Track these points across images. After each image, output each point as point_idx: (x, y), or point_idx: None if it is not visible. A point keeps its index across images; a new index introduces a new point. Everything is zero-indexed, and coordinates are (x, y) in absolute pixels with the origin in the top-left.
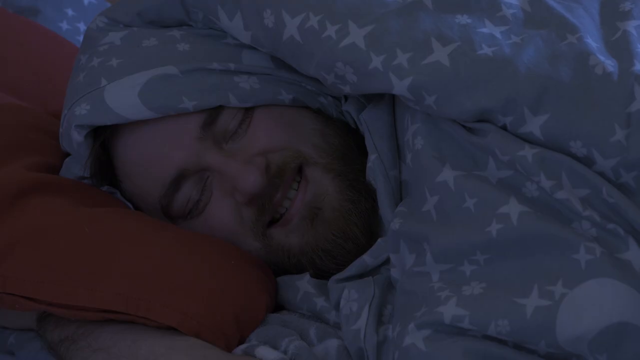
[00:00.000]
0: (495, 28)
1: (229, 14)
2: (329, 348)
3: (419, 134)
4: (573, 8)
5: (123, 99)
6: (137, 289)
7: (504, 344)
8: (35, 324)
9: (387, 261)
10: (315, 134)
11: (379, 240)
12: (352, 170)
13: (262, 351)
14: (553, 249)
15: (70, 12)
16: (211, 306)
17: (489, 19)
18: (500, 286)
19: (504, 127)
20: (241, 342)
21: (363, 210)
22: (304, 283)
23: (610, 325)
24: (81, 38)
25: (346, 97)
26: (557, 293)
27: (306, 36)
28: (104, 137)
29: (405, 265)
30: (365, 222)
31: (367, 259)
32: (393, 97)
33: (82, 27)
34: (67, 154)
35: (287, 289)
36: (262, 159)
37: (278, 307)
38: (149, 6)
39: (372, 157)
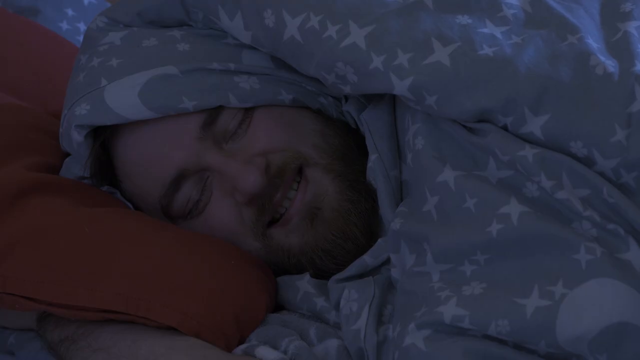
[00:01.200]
0: (495, 28)
1: (229, 14)
2: (329, 348)
3: (420, 134)
4: (573, 8)
5: (123, 99)
6: (137, 289)
7: (504, 344)
8: (35, 324)
9: (387, 261)
10: (315, 135)
11: (379, 240)
12: (353, 171)
13: (262, 351)
14: (553, 249)
15: (70, 12)
16: (211, 306)
17: (489, 19)
18: (500, 286)
19: (504, 127)
20: (241, 342)
21: (363, 210)
22: (304, 283)
23: (611, 325)
24: (81, 38)
25: (346, 97)
26: (557, 293)
27: (307, 36)
28: (104, 137)
29: (406, 265)
30: (365, 222)
31: (368, 259)
32: (393, 97)
33: (82, 27)
34: (67, 154)
35: (287, 289)
36: (262, 159)
37: (278, 307)
38: (149, 6)
39: (372, 157)
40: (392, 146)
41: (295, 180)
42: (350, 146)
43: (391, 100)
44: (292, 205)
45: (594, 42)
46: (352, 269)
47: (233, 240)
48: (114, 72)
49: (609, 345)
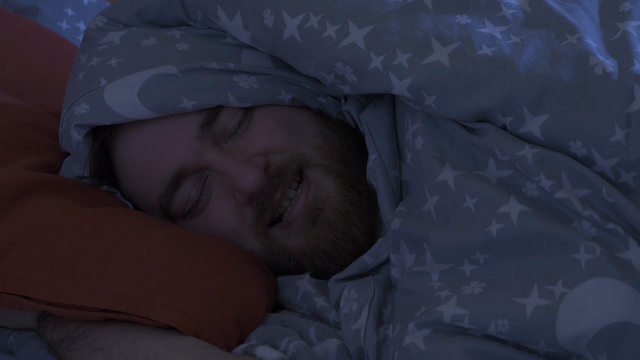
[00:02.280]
0: (495, 28)
1: (228, 14)
2: (329, 348)
3: (419, 134)
4: (573, 9)
5: (123, 98)
6: (137, 288)
7: (504, 344)
8: (35, 324)
9: (387, 261)
10: (315, 136)
11: (380, 240)
12: (354, 172)
13: (262, 351)
14: (553, 249)
15: (70, 12)
16: (211, 306)
17: (489, 19)
18: (500, 286)
19: (504, 128)
20: (241, 341)
21: (364, 211)
22: (304, 283)
23: (610, 324)
24: (81, 38)
25: (346, 97)
26: (557, 293)
27: (306, 36)
28: (103, 136)
29: (406, 265)
30: (366, 223)
31: (368, 259)
32: (393, 97)
33: (82, 27)
34: (67, 154)
35: (287, 289)
36: (262, 159)
37: (278, 307)
38: (148, 6)
39: (372, 157)
40: (392, 146)
41: (295, 180)
42: (351, 146)
43: (391, 100)
44: (294, 207)
45: (593, 42)
46: (353, 269)
47: (234, 240)
48: (113, 72)
49: (609, 345)
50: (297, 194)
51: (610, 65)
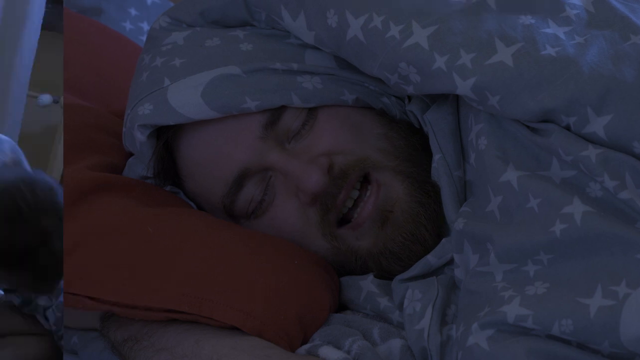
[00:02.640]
0: (558, 28)
1: (292, 14)
2: (392, 348)
3: (483, 134)
4: (637, 9)
5: (186, 98)
6: (201, 289)
7: (567, 344)
8: (99, 324)
9: (450, 261)
10: (379, 138)
11: (443, 240)
12: (421, 171)
13: (326, 351)
14: (616, 249)
15: (133, 11)
16: (274, 306)
17: (552, 20)
18: (563, 286)
19: (567, 127)
20: (304, 341)
21: (432, 212)
22: (368, 283)
23: None
24: (144, 38)
25: (409, 97)
26: (620, 293)
27: (370, 36)
28: (167, 136)
29: (469, 265)
30: (434, 224)
31: (431, 259)
32: (457, 97)
33: (145, 26)
34: (130, 154)
35: (350, 289)
36: (326, 159)
37: (341, 307)
38: (212, 6)
39: (436, 157)
40: (456, 146)
41: (358, 181)
42: (415, 146)
43: (455, 100)
44: (364, 208)
45: None
46: (416, 268)
47: (298, 241)
48: (177, 71)
49: None
50: (367, 195)
51: None
